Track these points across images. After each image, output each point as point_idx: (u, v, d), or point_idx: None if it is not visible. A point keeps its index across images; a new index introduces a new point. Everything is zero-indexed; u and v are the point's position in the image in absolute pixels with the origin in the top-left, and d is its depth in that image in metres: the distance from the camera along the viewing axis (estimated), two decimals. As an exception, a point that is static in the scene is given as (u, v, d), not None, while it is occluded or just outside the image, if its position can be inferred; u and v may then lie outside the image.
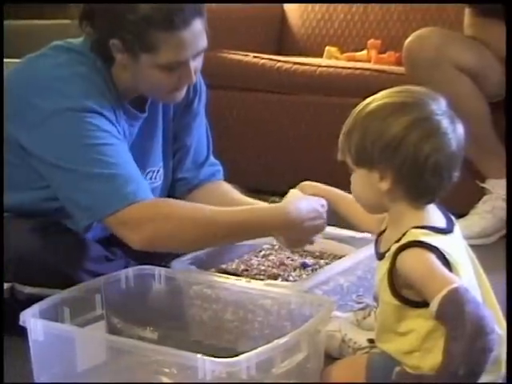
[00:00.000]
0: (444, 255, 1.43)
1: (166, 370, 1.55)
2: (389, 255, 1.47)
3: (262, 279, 1.98)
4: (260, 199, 2.14)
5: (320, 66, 3.06)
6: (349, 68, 3.03)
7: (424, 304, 1.43)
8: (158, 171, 2.08)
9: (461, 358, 1.35)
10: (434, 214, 1.51)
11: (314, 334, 1.57)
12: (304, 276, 2.00)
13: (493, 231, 2.64)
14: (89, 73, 1.87)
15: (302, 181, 1.90)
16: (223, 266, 2.05)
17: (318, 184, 1.87)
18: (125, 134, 1.93)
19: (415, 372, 1.46)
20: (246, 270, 2.05)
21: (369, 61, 3.24)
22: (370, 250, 1.91)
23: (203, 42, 1.85)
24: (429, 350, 1.45)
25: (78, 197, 1.80)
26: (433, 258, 1.42)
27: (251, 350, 1.44)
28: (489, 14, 2.64)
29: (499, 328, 1.45)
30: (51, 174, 1.83)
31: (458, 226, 1.54)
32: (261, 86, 3.17)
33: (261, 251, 2.17)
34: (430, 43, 2.58)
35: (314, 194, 1.85)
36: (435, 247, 1.43)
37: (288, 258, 2.13)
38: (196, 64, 1.88)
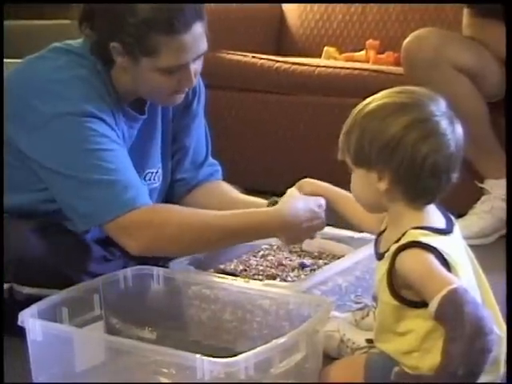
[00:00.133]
0: (443, 256, 1.43)
1: (165, 370, 1.55)
2: (388, 255, 1.47)
3: (260, 279, 1.98)
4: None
5: (319, 67, 3.07)
6: (347, 68, 3.03)
7: (423, 304, 1.43)
8: (157, 172, 2.08)
9: (460, 359, 1.35)
10: (434, 215, 1.51)
11: (312, 334, 1.57)
12: (302, 276, 2.00)
13: (491, 231, 2.65)
14: (88, 76, 1.87)
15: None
16: (222, 267, 2.05)
17: (318, 181, 1.87)
18: (124, 136, 1.93)
19: (414, 372, 1.46)
20: (245, 271, 2.05)
21: (367, 61, 3.24)
22: (368, 250, 1.92)
23: (203, 46, 1.85)
24: (428, 351, 1.45)
25: (77, 203, 1.80)
26: (432, 258, 1.42)
27: (250, 350, 1.44)
28: (487, 14, 2.64)
29: (498, 328, 1.46)
30: (51, 180, 1.83)
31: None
32: (260, 86, 3.17)
33: (259, 251, 2.17)
34: (429, 43, 2.58)
35: (312, 192, 1.85)
36: (434, 248, 1.43)
37: (286, 258, 2.13)
38: (196, 67, 1.88)
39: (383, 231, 1.57)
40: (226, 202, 2.12)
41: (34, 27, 3.89)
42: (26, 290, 1.83)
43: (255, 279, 1.97)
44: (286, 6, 3.67)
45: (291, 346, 1.50)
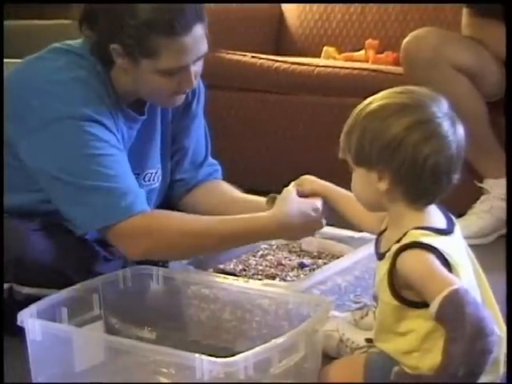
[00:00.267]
0: (444, 256, 1.43)
1: (164, 370, 1.55)
2: (389, 255, 1.47)
3: (259, 279, 1.98)
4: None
5: (318, 66, 3.07)
6: (347, 68, 3.03)
7: (424, 305, 1.43)
8: (157, 173, 2.08)
9: (460, 359, 1.34)
10: (435, 215, 1.51)
11: (311, 333, 1.57)
12: (302, 276, 2.00)
13: (491, 231, 2.65)
14: (88, 77, 1.86)
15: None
16: (221, 266, 2.06)
17: (318, 180, 1.86)
18: (123, 136, 1.93)
19: (414, 372, 1.46)
20: (244, 270, 2.06)
21: (367, 61, 3.24)
22: (367, 250, 1.92)
23: (204, 47, 1.85)
24: (428, 351, 1.44)
25: (74, 208, 1.81)
26: (433, 258, 1.42)
27: (249, 349, 1.44)
28: (487, 14, 2.64)
29: (498, 329, 1.45)
30: (48, 183, 1.83)
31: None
32: (259, 86, 3.17)
33: (259, 251, 2.17)
34: (428, 43, 2.58)
35: (312, 191, 1.84)
36: (435, 248, 1.43)
37: (286, 258, 2.13)
38: (196, 68, 1.88)
39: (384, 231, 1.57)
40: (225, 201, 2.12)
41: (34, 27, 3.89)
42: (26, 289, 1.83)
43: (254, 279, 1.97)
44: (285, 6, 3.67)
45: (290, 346, 1.50)
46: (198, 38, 1.82)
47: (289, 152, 3.13)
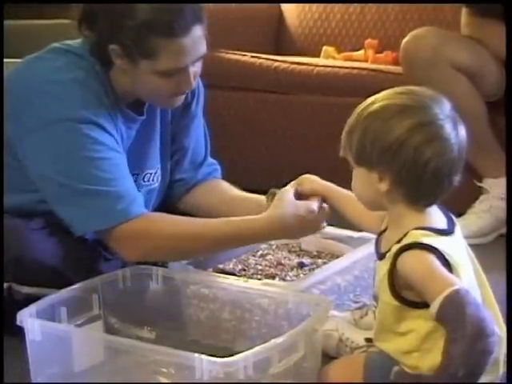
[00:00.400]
0: (444, 256, 1.43)
1: (164, 370, 1.55)
2: (389, 256, 1.47)
3: (259, 279, 1.98)
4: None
5: (317, 66, 3.07)
6: (346, 68, 3.03)
7: (424, 305, 1.43)
8: (156, 173, 2.08)
9: (460, 360, 1.34)
10: (435, 215, 1.51)
11: (311, 333, 1.57)
12: (301, 275, 2.00)
13: (490, 230, 2.65)
14: (87, 78, 1.86)
15: (300, 180, 1.90)
16: (220, 266, 2.06)
17: (318, 180, 1.85)
18: (123, 137, 1.93)
19: (414, 372, 1.46)
20: (244, 270, 2.06)
21: (366, 60, 3.24)
22: (367, 250, 1.92)
23: (203, 48, 1.85)
24: (428, 351, 1.44)
25: (71, 210, 1.81)
26: (433, 259, 1.42)
27: (248, 349, 1.44)
28: (486, 13, 2.64)
29: (498, 328, 1.45)
30: (46, 185, 1.84)
31: (456, 225, 1.54)
32: (258, 85, 3.17)
33: (258, 251, 2.17)
34: (427, 43, 2.58)
35: (312, 191, 1.84)
36: (436, 249, 1.43)
37: (285, 257, 2.13)
38: (195, 69, 1.88)
39: (384, 231, 1.57)
40: (225, 200, 2.12)
41: (33, 27, 3.89)
42: (25, 289, 1.83)
43: (254, 278, 1.97)
44: (284, 6, 3.67)
45: (290, 346, 1.50)
46: (196, 39, 1.82)
47: (288, 151, 3.13)
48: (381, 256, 1.52)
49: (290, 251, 2.18)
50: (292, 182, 1.87)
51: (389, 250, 1.48)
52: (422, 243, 1.43)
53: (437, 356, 1.39)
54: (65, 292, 1.70)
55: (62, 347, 1.60)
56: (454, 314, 1.37)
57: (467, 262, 1.50)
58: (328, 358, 1.70)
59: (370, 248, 1.77)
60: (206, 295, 1.83)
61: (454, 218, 1.54)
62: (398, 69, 2.79)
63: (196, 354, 1.43)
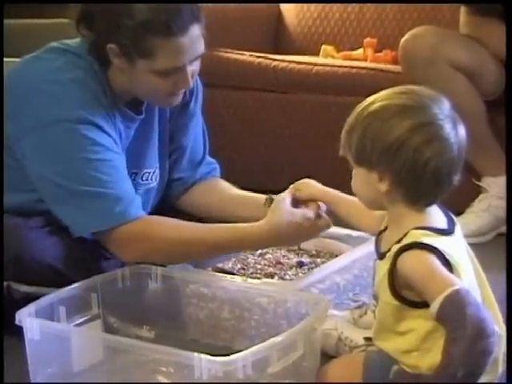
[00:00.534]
0: (445, 256, 1.42)
1: (163, 369, 1.55)
2: (389, 256, 1.47)
3: (258, 278, 1.98)
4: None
5: (316, 65, 3.07)
6: (345, 67, 3.03)
7: (424, 304, 1.43)
8: (154, 172, 2.08)
9: (460, 360, 1.34)
10: (435, 214, 1.51)
11: (310, 332, 1.57)
12: (300, 275, 2.01)
13: (489, 229, 2.65)
14: (85, 77, 1.86)
15: (299, 179, 1.89)
16: (220, 265, 2.06)
17: (316, 184, 1.85)
18: (121, 136, 1.93)
19: (413, 371, 1.46)
20: (243, 269, 2.06)
21: (365, 59, 3.24)
22: (366, 249, 1.92)
23: (201, 48, 1.85)
24: (428, 350, 1.44)
25: (68, 212, 1.82)
26: (434, 259, 1.42)
27: (247, 348, 1.44)
28: (485, 12, 2.64)
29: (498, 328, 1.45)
30: (43, 186, 1.84)
31: (455, 224, 1.54)
32: (257, 84, 3.17)
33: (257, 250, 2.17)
34: (426, 42, 2.58)
35: (310, 196, 1.83)
36: (436, 249, 1.42)
37: (284, 256, 2.13)
38: (193, 68, 1.88)
39: (383, 230, 1.57)
40: (224, 199, 2.12)
41: (32, 26, 3.89)
42: (24, 288, 1.83)
43: (253, 277, 1.97)
44: (283, 5, 3.67)
45: (289, 345, 1.50)
46: (194, 38, 1.82)
47: (287, 150, 3.12)
48: (381, 256, 1.52)
49: (288, 250, 2.18)
50: (290, 187, 1.87)
51: (389, 249, 1.48)
52: (422, 243, 1.43)
53: (436, 355, 1.39)
54: (64, 291, 1.70)
55: (61, 346, 1.60)
56: (455, 314, 1.37)
57: (467, 261, 1.50)
58: (327, 357, 1.70)
59: (369, 247, 1.78)
60: (205, 294, 1.83)
61: (453, 217, 1.54)
62: (397, 68, 2.80)
63: (195, 353, 1.43)
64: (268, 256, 2.14)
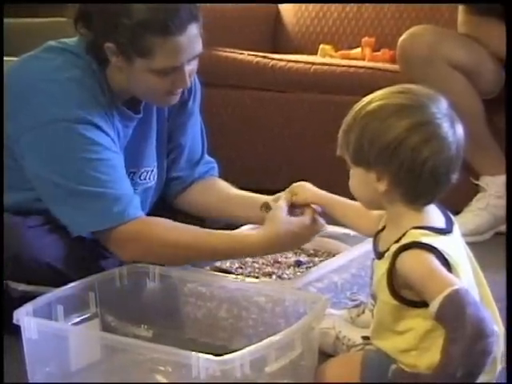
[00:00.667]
0: (444, 256, 1.42)
1: (161, 368, 1.55)
2: (388, 255, 1.47)
3: (256, 277, 1.98)
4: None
5: (314, 64, 3.06)
6: (343, 66, 3.03)
7: (423, 304, 1.43)
8: (152, 171, 2.08)
9: (459, 360, 1.34)
10: (434, 214, 1.51)
11: (308, 331, 1.57)
12: (298, 274, 2.00)
13: (487, 228, 2.65)
14: (83, 76, 1.86)
15: (297, 179, 1.89)
16: (218, 264, 2.05)
17: (312, 188, 1.85)
18: (119, 135, 1.93)
19: (411, 370, 1.46)
20: (241, 268, 2.06)
21: (363, 58, 3.24)
22: (363, 248, 1.92)
23: (198, 47, 1.85)
24: (426, 349, 1.44)
25: (66, 212, 1.82)
26: (433, 258, 1.42)
27: (245, 347, 1.44)
28: (483, 11, 2.64)
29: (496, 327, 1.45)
30: (42, 186, 1.84)
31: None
32: (255, 83, 3.17)
33: (255, 249, 2.17)
34: (424, 41, 2.58)
35: (307, 200, 1.83)
36: (436, 248, 1.42)
37: (282, 255, 2.13)
38: (191, 68, 1.88)
39: (381, 230, 1.57)
40: (222, 199, 2.12)
41: (29, 25, 3.89)
42: (22, 287, 1.83)
43: (251, 277, 1.97)
44: (281, 4, 3.66)
45: (287, 344, 1.50)
46: (192, 37, 1.82)
47: (285, 150, 3.12)
48: (379, 255, 1.52)
49: (287, 249, 2.17)
50: (286, 191, 1.87)
51: (387, 249, 1.48)
52: (421, 243, 1.43)
53: (435, 355, 1.39)
54: (61, 290, 1.70)
55: (59, 346, 1.59)
56: (454, 314, 1.37)
57: (466, 261, 1.50)
58: (325, 356, 1.70)
59: (366, 246, 1.78)
60: (203, 293, 1.83)
61: (452, 216, 1.54)
62: (395, 67, 2.80)
63: (193, 352, 1.43)
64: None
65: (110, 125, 1.89)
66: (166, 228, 1.85)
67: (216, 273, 1.94)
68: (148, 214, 1.94)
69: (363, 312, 1.78)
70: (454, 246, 1.48)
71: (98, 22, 1.82)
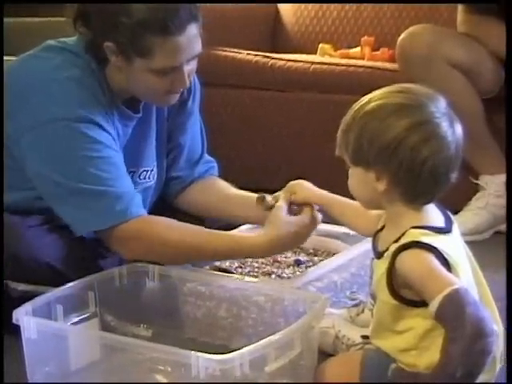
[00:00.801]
0: (443, 256, 1.42)
1: (160, 368, 1.55)
2: (388, 255, 1.47)
3: (255, 276, 1.98)
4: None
5: (314, 63, 3.07)
6: (342, 65, 3.03)
7: (422, 303, 1.43)
8: (152, 171, 2.08)
9: (459, 360, 1.34)
10: (433, 213, 1.50)
11: (307, 330, 1.57)
12: (298, 273, 2.00)
13: (486, 228, 2.65)
14: (83, 76, 1.86)
15: (297, 178, 1.89)
16: (217, 264, 2.05)
17: (310, 186, 1.84)
18: (119, 134, 1.93)
19: (411, 370, 1.46)
20: (240, 267, 2.06)
21: (362, 58, 3.24)
22: (363, 247, 1.92)
23: (198, 47, 1.85)
24: (426, 349, 1.44)
25: (68, 210, 1.82)
26: (432, 258, 1.42)
27: (245, 346, 1.44)
28: (483, 11, 2.64)
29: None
30: (42, 184, 1.84)
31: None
32: (255, 83, 3.17)
33: (255, 248, 2.17)
34: (423, 40, 2.58)
35: (305, 199, 1.83)
36: (435, 248, 1.42)
37: (282, 255, 2.13)
38: (190, 68, 1.88)
39: (381, 229, 1.57)
40: (221, 198, 2.12)
41: (29, 25, 3.89)
42: (21, 286, 1.83)
43: (250, 276, 1.97)
44: (281, 4, 3.67)
45: (286, 343, 1.50)
46: (192, 37, 1.82)
47: (285, 149, 3.13)
48: (378, 255, 1.52)
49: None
50: (284, 190, 1.87)
51: (387, 249, 1.48)
52: (421, 242, 1.43)
53: (434, 354, 1.39)
54: (61, 290, 1.70)
55: (59, 345, 1.59)
56: (454, 314, 1.37)
57: (465, 260, 1.50)
58: (324, 355, 1.70)
59: (366, 245, 1.78)
60: (202, 293, 1.83)
61: (451, 215, 1.54)
62: (394, 66, 2.80)
63: (192, 352, 1.43)
64: (265, 254, 2.13)
65: (110, 124, 1.89)
66: (168, 227, 1.85)
67: (215, 272, 1.94)
68: (148, 214, 1.94)
69: (363, 311, 1.79)
70: (454, 245, 1.48)
71: (98, 22, 1.82)
